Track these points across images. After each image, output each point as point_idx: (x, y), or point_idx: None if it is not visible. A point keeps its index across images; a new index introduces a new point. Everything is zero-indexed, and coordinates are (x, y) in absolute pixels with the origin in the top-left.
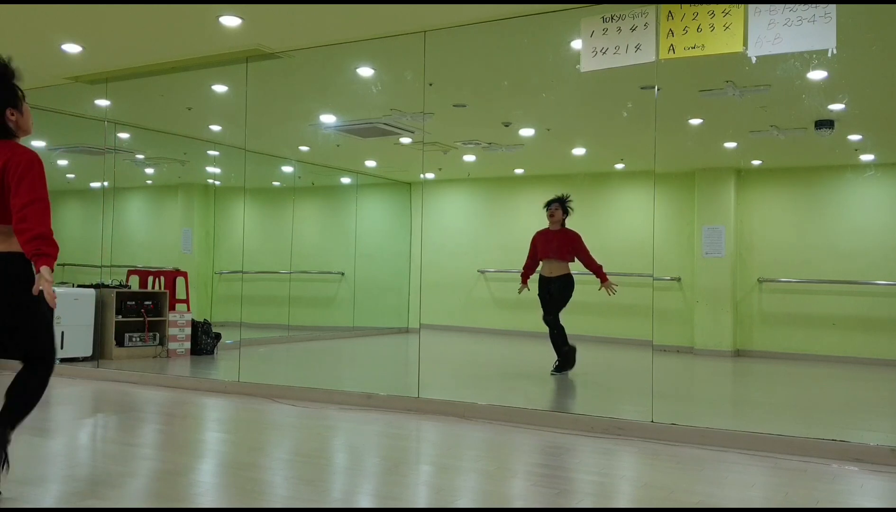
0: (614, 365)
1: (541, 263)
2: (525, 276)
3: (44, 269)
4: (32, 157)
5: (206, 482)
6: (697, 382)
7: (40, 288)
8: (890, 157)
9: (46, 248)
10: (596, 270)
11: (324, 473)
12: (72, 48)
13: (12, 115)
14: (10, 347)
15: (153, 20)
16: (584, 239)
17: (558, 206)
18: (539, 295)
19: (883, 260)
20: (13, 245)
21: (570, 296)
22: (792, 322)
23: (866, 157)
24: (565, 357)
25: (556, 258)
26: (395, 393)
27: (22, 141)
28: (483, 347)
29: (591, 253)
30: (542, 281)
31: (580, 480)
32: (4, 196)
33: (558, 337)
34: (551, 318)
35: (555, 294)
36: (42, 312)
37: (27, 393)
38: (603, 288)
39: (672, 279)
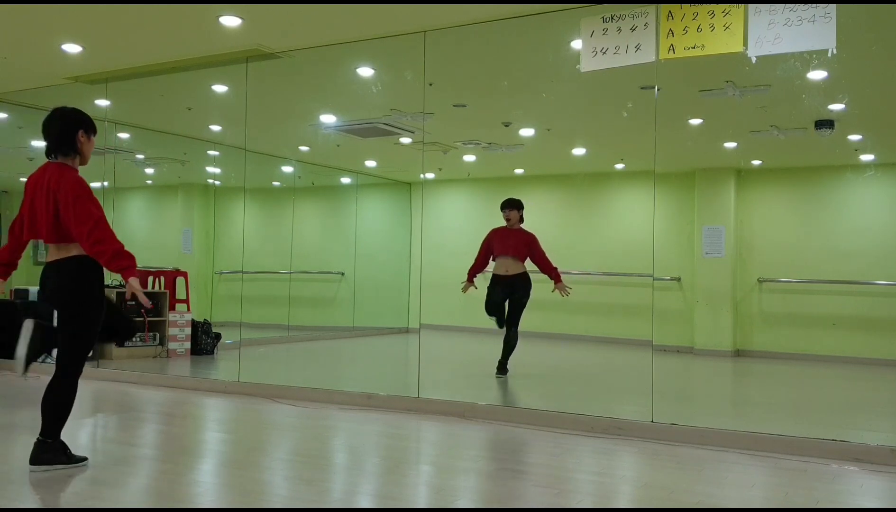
0: (614, 365)
1: (496, 260)
2: (473, 274)
3: (131, 280)
4: (77, 180)
5: (206, 482)
6: (697, 382)
7: (132, 293)
8: (890, 157)
9: (126, 262)
10: (550, 270)
11: (324, 473)
12: (72, 48)
13: (82, 137)
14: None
15: (153, 20)
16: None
17: (512, 208)
18: (492, 294)
19: (883, 260)
20: (69, 252)
21: (529, 297)
22: (792, 322)
23: (866, 157)
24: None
25: (512, 255)
26: (395, 393)
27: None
28: (483, 347)
29: (546, 255)
30: (497, 280)
31: (580, 480)
32: (56, 218)
33: (514, 342)
34: (515, 329)
35: (517, 296)
36: (87, 325)
37: (55, 403)
38: (556, 290)
39: (672, 279)
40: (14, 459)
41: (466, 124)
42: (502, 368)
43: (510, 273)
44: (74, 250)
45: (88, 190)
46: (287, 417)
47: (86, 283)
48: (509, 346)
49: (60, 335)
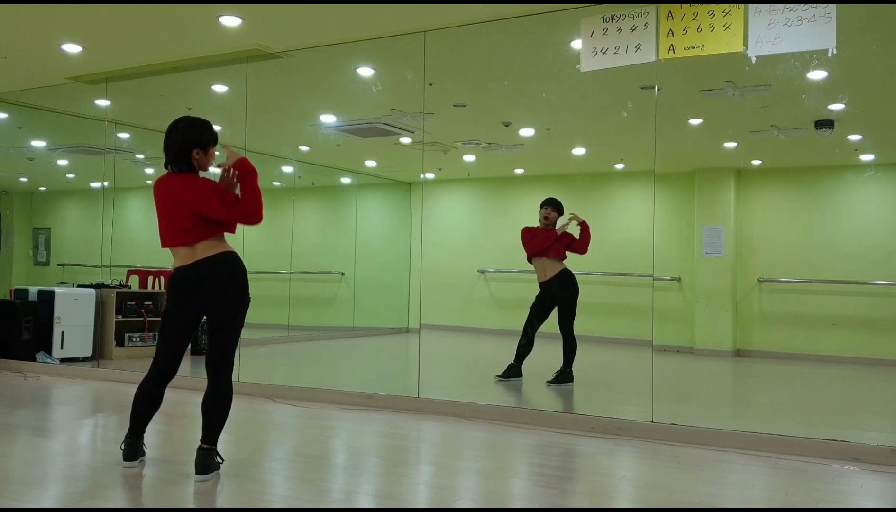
0: (614, 365)
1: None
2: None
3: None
4: (206, 184)
5: (207, 482)
6: (697, 382)
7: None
8: (890, 157)
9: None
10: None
11: (324, 473)
12: (72, 48)
13: (197, 154)
14: (209, 347)
15: (153, 20)
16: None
17: (553, 208)
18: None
19: (883, 260)
20: (221, 248)
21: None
22: (792, 322)
23: (866, 157)
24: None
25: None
26: (395, 393)
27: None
28: (483, 347)
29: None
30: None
31: (580, 480)
32: (191, 220)
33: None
34: (568, 334)
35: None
36: (244, 316)
37: (225, 409)
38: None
39: (672, 279)
40: (14, 459)
41: (466, 124)
42: (566, 376)
43: (548, 276)
44: (225, 246)
45: (208, 186)
46: (287, 417)
47: (245, 274)
48: (566, 350)
49: (214, 337)
